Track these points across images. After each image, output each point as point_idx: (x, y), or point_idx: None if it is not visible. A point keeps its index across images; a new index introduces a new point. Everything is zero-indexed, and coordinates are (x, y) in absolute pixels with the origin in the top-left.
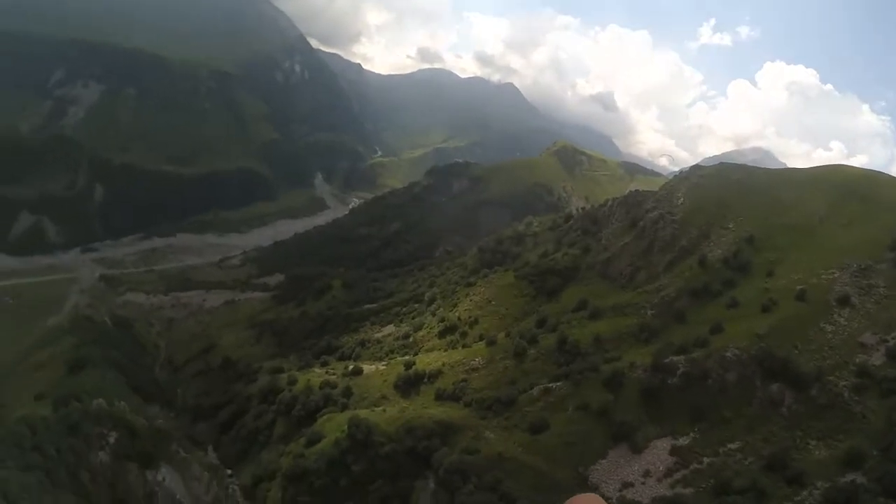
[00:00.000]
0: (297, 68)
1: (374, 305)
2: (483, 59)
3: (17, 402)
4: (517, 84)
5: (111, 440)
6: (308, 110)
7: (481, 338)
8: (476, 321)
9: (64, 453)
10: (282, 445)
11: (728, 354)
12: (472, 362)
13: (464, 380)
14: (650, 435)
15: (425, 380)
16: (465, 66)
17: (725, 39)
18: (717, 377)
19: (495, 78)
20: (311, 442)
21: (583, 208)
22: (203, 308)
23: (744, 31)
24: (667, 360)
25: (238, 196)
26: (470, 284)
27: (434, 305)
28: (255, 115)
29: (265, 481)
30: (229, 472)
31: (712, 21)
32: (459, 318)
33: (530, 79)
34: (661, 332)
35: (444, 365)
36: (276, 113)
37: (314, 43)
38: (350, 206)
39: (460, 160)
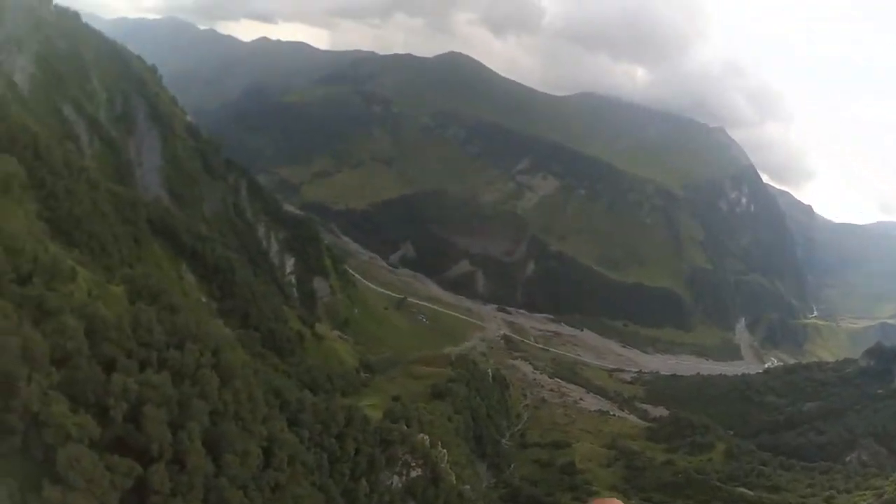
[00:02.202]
0: (744, 200)
1: (751, 494)
2: None
3: (365, 395)
4: None
5: (412, 473)
6: (747, 246)
7: None
8: None
9: (360, 456)
10: None
11: None
12: None
13: None
14: None
15: None
16: None
17: None
18: None
19: None
20: None
21: None
22: (576, 405)
23: None
24: None
25: (653, 314)
26: None
27: None
28: (690, 239)
29: None
30: None
31: None
32: None
33: None
34: None
35: None
36: (713, 241)
37: (764, 177)
38: (766, 365)
39: None
